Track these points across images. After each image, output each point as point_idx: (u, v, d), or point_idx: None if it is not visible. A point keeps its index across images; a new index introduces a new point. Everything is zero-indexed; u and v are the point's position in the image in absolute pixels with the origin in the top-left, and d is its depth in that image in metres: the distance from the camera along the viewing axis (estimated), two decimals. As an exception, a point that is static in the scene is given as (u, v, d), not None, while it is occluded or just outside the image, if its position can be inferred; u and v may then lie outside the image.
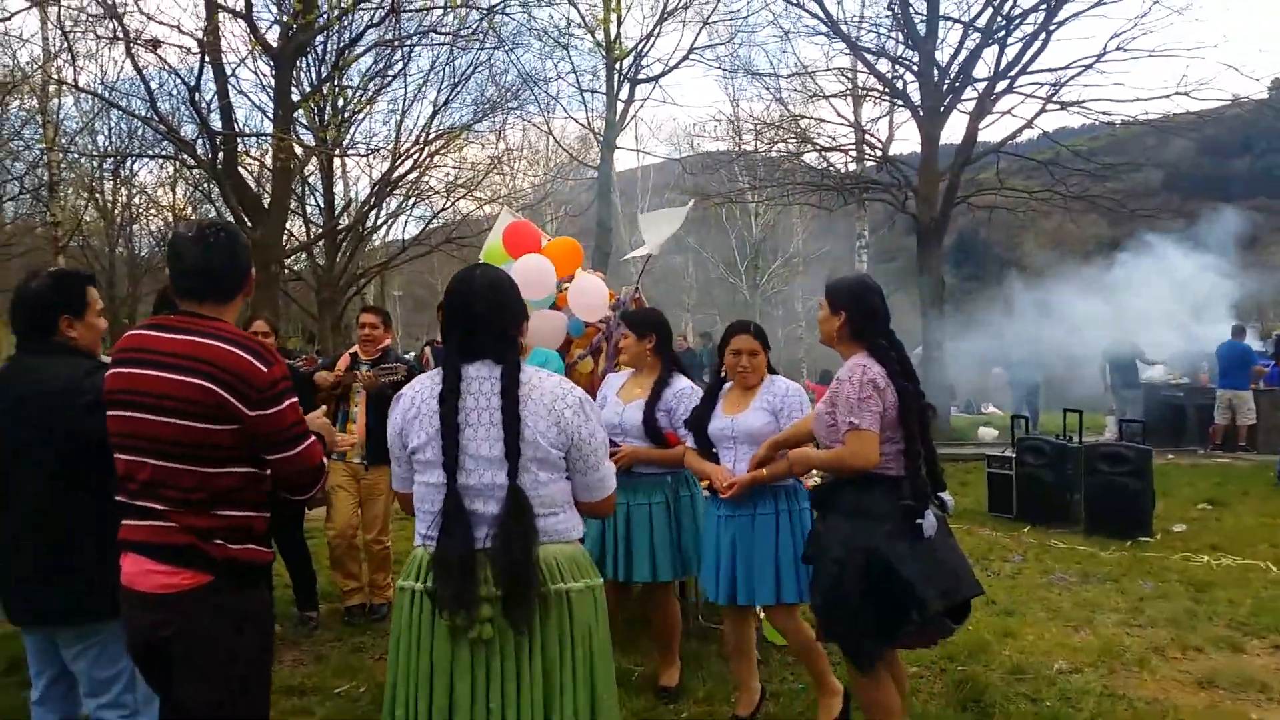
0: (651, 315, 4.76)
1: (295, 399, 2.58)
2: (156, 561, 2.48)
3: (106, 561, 2.71)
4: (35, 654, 3.12)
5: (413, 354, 9.46)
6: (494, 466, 2.48)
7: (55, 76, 16.99)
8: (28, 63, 17.77)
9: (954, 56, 15.99)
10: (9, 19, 13.37)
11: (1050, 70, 15.78)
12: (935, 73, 15.90)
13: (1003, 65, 15.52)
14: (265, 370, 2.48)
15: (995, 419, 19.04)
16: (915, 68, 16.21)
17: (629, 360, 4.67)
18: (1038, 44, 15.12)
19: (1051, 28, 14.88)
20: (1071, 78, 15.36)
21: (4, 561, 2.97)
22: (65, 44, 15.45)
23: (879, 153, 17.97)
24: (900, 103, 17.46)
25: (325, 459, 2.72)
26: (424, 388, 2.60)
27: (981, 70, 15.89)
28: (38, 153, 20.18)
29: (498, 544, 2.43)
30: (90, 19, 14.30)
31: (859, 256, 23.09)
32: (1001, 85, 15.65)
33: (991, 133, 41.05)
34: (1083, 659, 5.10)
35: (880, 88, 17.66)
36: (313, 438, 2.63)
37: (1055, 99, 15.57)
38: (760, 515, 4.04)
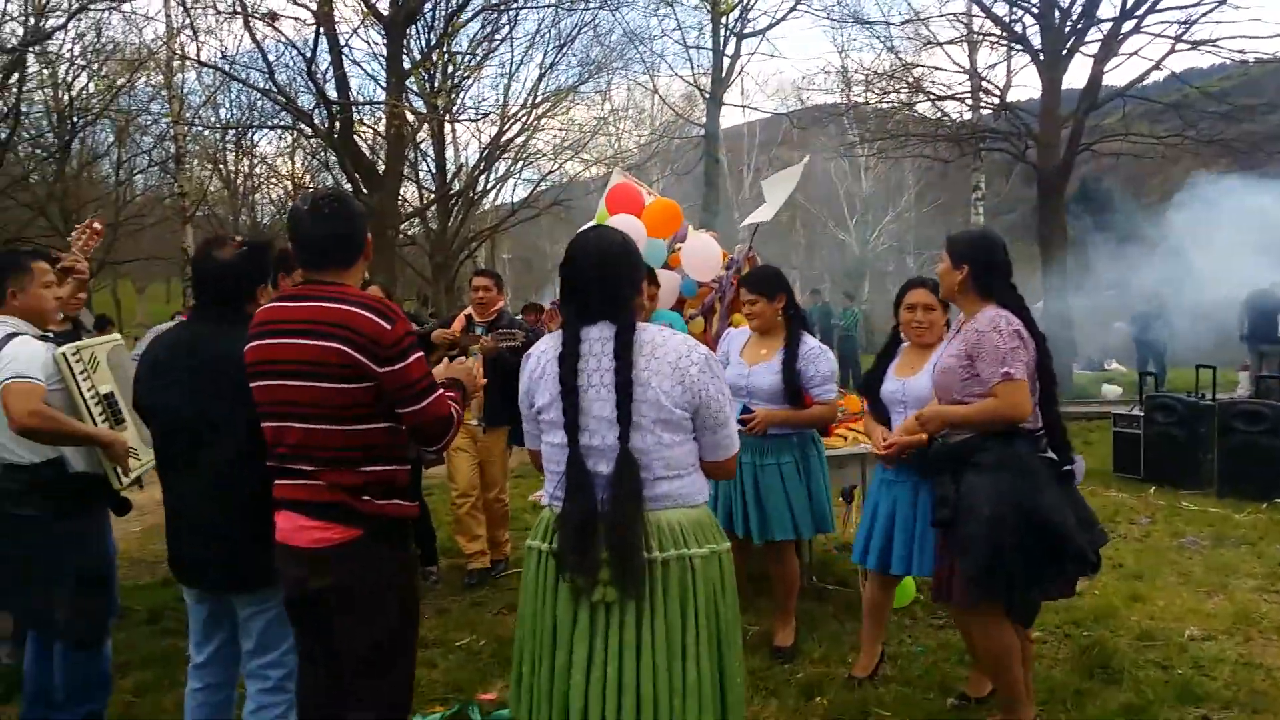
0: (775, 275, 4.63)
1: (421, 354, 2.66)
2: (309, 518, 2.62)
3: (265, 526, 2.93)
4: (205, 620, 3.13)
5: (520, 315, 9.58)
6: (614, 427, 2.47)
7: (179, 52, 17.59)
8: (153, 40, 18.50)
9: (1077, -3, 15.30)
10: (136, -2, 13.86)
11: (1180, 8, 14.95)
12: (1056, 14, 15.25)
13: (1129, 4, 14.79)
14: (389, 328, 2.57)
15: (1119, 375, 18.37)
16: (1035, 10, 15.56)
17: (761, 325, 4.53)
18: (1168, -22, 14.35)
19: (1183, -39, 14.10)
20: (1203, 14, 14.54)
21: (194, 530, 2.97)
22: (187, 20, 16.02)
23: (996, 100, 17.36)
24: (1019, 47, 16.79)
25: (460, 408, 2.81)
26: (549, 348, 2.63)
27: (1106, 10, 15.26)
28: (164, 126, 20.98)
29: (606, 508, 2.45)
30: (211, -5, 14.76)
31: (975, 209, 22.42)
32: (1128, 25, 14.93)
33: (1116, 76, 39.35)
34: (1216, 626, 4.92)
35: (998, 32, 17.01)
36: (441, 390, 2.71)
37: (1185, 38, 14.78)
38: (925, 485, 3.83)
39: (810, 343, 4.47)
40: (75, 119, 18.92)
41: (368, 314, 2.56)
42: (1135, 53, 15.83)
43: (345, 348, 2.53)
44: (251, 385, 2.70)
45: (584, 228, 2.90)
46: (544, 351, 2.63)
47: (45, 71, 17.32)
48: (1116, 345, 19.99)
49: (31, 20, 12.47)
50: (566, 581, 2.47)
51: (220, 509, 2.92)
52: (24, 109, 16.88)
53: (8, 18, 13.87)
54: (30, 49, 11.52)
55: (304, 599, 2.67)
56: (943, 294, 3.64)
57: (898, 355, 4.17)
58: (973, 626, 3.49)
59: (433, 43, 17.53)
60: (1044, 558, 3.21)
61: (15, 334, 3.34)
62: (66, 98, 18.48)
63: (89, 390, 3.44)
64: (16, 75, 14.94)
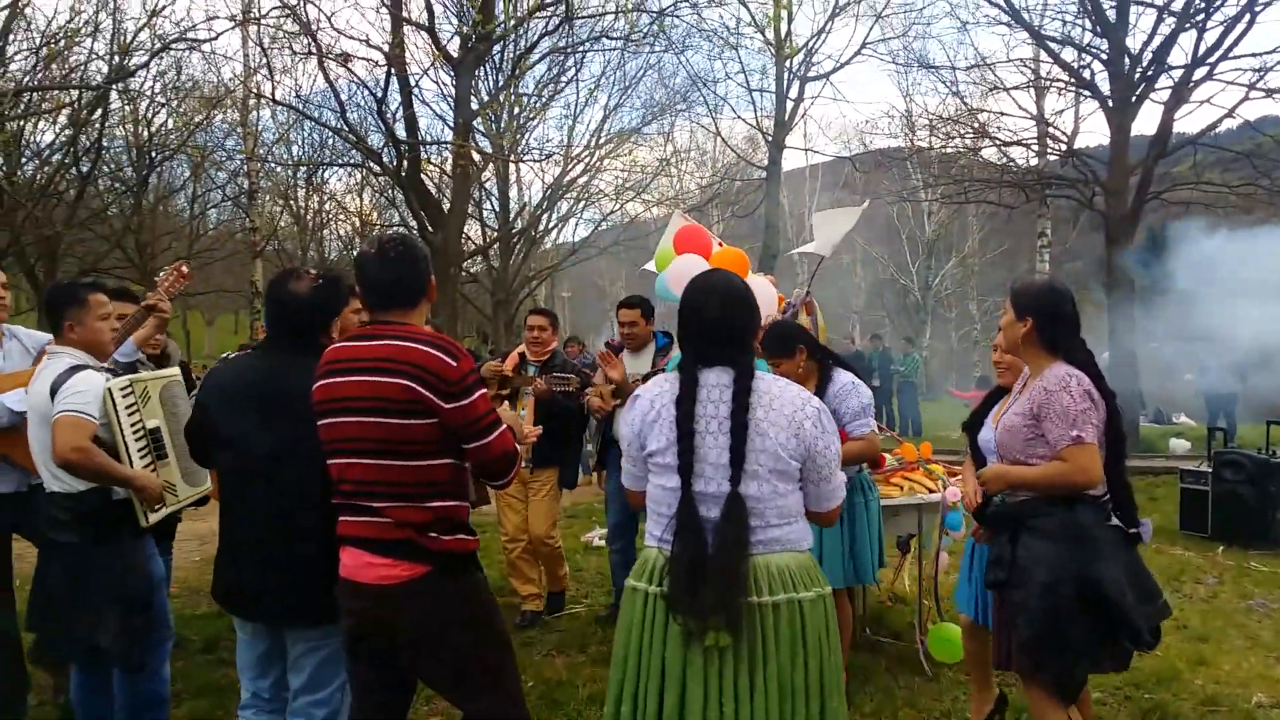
0: (786, 333, 4.48)
1: (485, 391, 2.71)
2: (376, 555, 2.66)
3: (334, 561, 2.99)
4: (263, 656, 3.11)
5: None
6: (728, 473, 2.49)
7: (254, 91, 18.09)
8: (230, 78, 19.04)
9: (1147, 43, 15.11)
10: (216, 39, 14.37)
11: (1254, 55, 14.76)
12: (1126, 61, 15.07)
13: (1201, 51, 14.56)
14: (455, 364, 2.63)
15: (1187, 430, 17.92)
16: (1104, 56, 15.40)
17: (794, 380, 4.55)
18: (1241, 26, 14.10)
19: (1257, 8, 13.87)
20: (1278, 62, 14.30)
21: (257, 561, 2.96)
22: (264, 60, 16.46)
23: (1064, 146, 17.16)
24: (1087, 93, 16.60)
25: (518, 445, 2.86)
26: (663, 391, 2.64)
27: (1177, 57, 15.03)
28: (238, 162, 21.56)
29: (714, 551, 2.46)
30: (287, 36, 15.18)
31: (1040, 256, 22.14)
32: (1200, 72, 14.68)
33: (1187, 123, 38.67)
34: (1286, 692, 4.74)
35: (1065, 78, 16.83)
36: (505, 426, 2.76)
37: (1260, 85, 14.52)
38: None
39: (841, 380, 4.39)
40: (154, 154, 19.51)
41: (433, 351, 2.63)
42: (1207, 100, 15.59)
43: (411, 383, 2.59)
44: (319, 423, 2.75)
45: (704, 271, 2.91)
46: (659, 395, 2.64)
47: (127, 108, 17.91)
48: (1185, 398, 19.54)
49: (116, 58, 12.93)
50: (678, 624, 2.47)
51: (285, 541, 2.94)
52: (105, 144, 17.46)
53: (94, 56, 14.40)
54: (114, 86, 11.94)
55: (369, 635, 2.71)
56: (1006, 347, 3.49)
57: (1004, 399, 3.97)
58: (1031, 693, 3.34)
59: (500, 84, 17.86)
60: (1098, 631, 3.09)
61: (81, 366, 3.41)
62: (146, 134, 19.07)
63: (134, 425, 3.48)
64: (100, 111, 15.47)
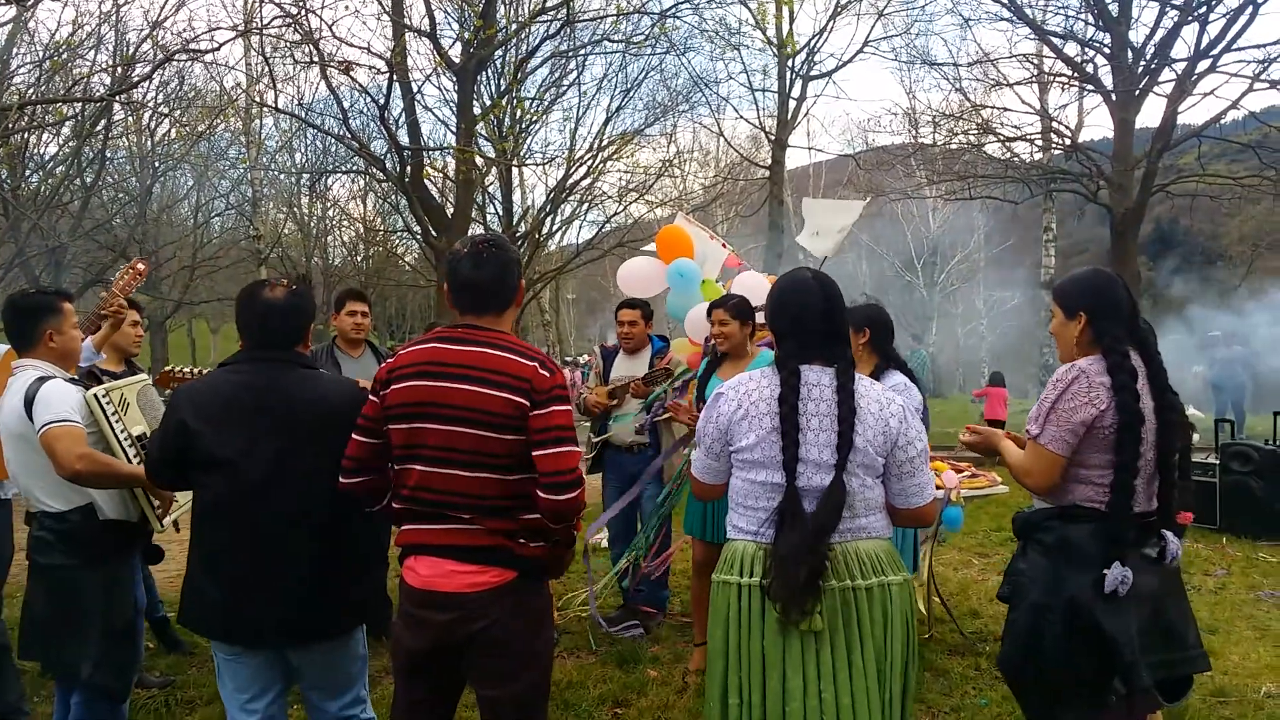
0: (869, 311, 4.45)
1: (569, 408, 2.65)
2: (461, 562, 2.61)
3: (372, 566, 3.03)
4: (261, 670, 2.95)
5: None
6: (823, 470, 2.55)
7: (257, 99, 18.15)
8: (233, 87, 19.10)
9: (1149, 36, 15.12)
10: (218, 49, 14.37)
11: (1258, 46, 14.72)
12: (1129, 54, 15.06)
13: (1204, 43, 14.54)
14: (549, 376, 2.61)
15: (1196, 422, 17.86)
16: (1107, 50, 15.40)
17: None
18: (1244, 19, 14.11)
19: (1259, 0, 13.85)
20: (1282, 53, 14.26)
21: (265, 589, 2.81)
22: (266, 69, 16.51)
23: (1067, 141, 17.16)
24: (1091, 87, 16.60)
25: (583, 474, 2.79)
26: (753, 388, 2.66)
27: (1180, 49, 14.96)
28: (242, 171, 21.62)
29: (812, 542, 2.52)
30: (289, 45, 15.21)
31: (1046, 250, 22.13)
32: (1203, 65, 14.67)
33: (1192, 115, 38.63)
34: (1297, 683, 4.73)
35: (1069, 72, 16.84)
36: (577, 448, 2.67)
37: (1263, 77, 14.49)
38: None
39: (892, 379, 4.25)
40: (157, 164, 19.58)
41: (531, 363, 2.60)
42: (1211, 92, 15.48)
43: (517, 397, 2.55)
44: (393, 426, 2.65)
45: (798, 268, 2.92)
46: (748, 391, 2.67)
47: (130, 119, 17.97)
48: (1193, 391, 19.49)
49: (118, 70, 12.98)
50: (777, 613, 2.52)
51: (293, 560, 2.81)
52: (109, 155, 17.52)
53: (97, 68, 14.44)
54: (117, 97, 11.96)
55: (443, 647, 2.65)
56: (1061, 355, 3.04)
57: None
58: None
59: (502, 89, 17.89)
60: (1089, 671, 2.76)
61: (46, 378, 3.28)
62: (149, 144, 19.14)
63: (121, 431, 3.38)
64: (103, 123, 15.52)
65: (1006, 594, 3.00)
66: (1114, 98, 15.29)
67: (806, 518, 2.53)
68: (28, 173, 16.44)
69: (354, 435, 2.74)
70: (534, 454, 2.58)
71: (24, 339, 3.39)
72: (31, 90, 13.22)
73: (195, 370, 3.95)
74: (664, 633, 5.56)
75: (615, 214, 23.09)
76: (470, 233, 16.80)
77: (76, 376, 3.58)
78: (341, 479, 2.78)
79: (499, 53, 16.64)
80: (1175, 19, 14.69)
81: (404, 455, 2.66)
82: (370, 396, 2.73)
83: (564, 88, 20.31)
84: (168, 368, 4.02)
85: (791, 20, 20.50)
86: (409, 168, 14.34)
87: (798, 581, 2.48)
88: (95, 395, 3.32)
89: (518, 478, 2.61)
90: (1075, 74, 16.58)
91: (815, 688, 2.51)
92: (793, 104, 22.04)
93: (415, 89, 15.10)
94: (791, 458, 2.55)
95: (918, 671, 2.70)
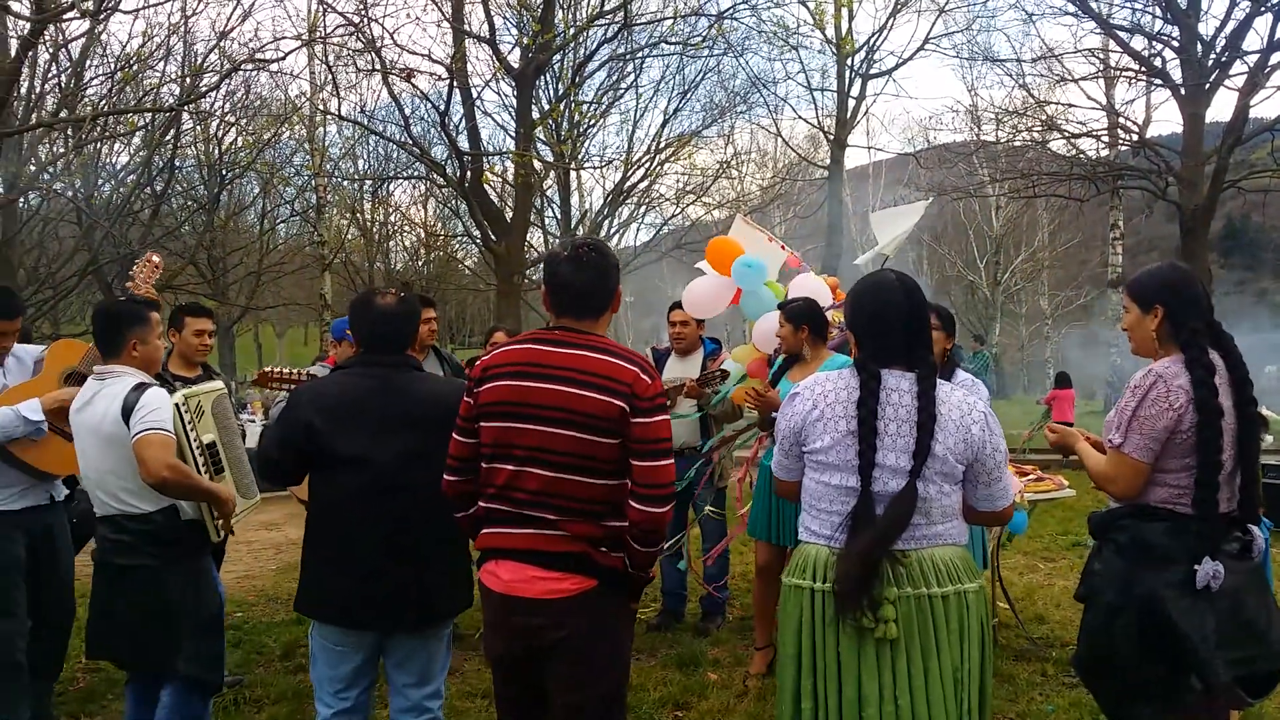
0: (937, 310, 4.39)
1: (668, 417, 2.66)
2: (544, 569, 2.60)
3: (466, 558, 3.16)
4: (359, 661, 3.13)
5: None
6: (899, 476, 2.52)
7: (321, 107, 18.46)
8: (297, 95, 19.46)
9: (1220, 29, 14.73)
10: (283, 58, 14.64)
11: (1334, 36, 14.23)
12: (1199, 47, 14.69)
13: (1277, 35, 14.14)
14: (651, 382, 2.60)
15: (1272, 422, 17.36)
16: (1176, 43, 15.03)
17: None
18: (1319, 9, 13.68)
19: (1336, -10, 13.43)
20: (1361, 43, 13.80)
21: (381, 572, 3.00)
22: (330, 77, 16.80)
23: (1135, 136, 16.78)
24: (1159, 82, 16.20)
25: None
26: (829, 389, 2.64)
27: (1253, 41, 14.57)
28: (306, 178, 22.01)
29: (881, 547, 2.50)
30: (352, 53, 15.46)
31: (1112, 248, 21.67)
32: (1276, 57, 14.26)
33: (1264, 109, 37.57)
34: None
35: (1136, 67, 16.46)
36: (672, 461, 2.66)
37: (1340, 69, 14.04)
38: None
39: (959, 376, 4.26)
40: (224, 172, 20.00)
41: (633, 368, 2.59)
42: (1284, 84, 15.03)
43: (619, 401, 2.54)
44: (484, 425, 2.68)
45: (881, 270, 2.91)
46: (824, 393, 2.64)
47: (198, 128, 18.39)
48: (1265, 389, 18.95)
49: (187, 80, 13.29)
50: (850, 619, 2.50)
51: (413, 550, 3.02)
52: (178, 163, 17.94)
53: (167, 79, 14.80)
54: (185, 107, 12.25)
55: (527, 653, 2.67)
56: (1136, 349, 2.99)
57: None
58: None
59: (560, 93, 17.99)
60: (1164, 668, 2.76)
61: (146, 384, 3.37)
62: (217, 152, 19.55)
63: (194, 440, 3.46)
64: (173, 132, 15.91)
65: (1083, 594, 3.00)
66: (1183, 92, 14.92)
67: (877, 523, 2.51)
68: (100, 182, 16.91)
69: (454, 435, 2.80)
70: (634, 463, 2.58)
71: (110, 346, 3.48)
72: (104, 102, 13.59)
73: (295, 371, 4.04)
74: (724, 635, 5.53)
75: (672, 216, 23.11)
76: (526, 237, 16.98)
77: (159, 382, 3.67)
78: (446, 476, 2.84)
79: (557, 57, 16.76)
80: (1247, 10, 14.31)
81: (494, 454, 2.68)
82: (465, 396, 2.77)
83: (621, 91, 20.43)
84: (266, 368, 4.12)
85: (850, 19, 20.39)
86: (469, 173, 14.48)
87: (857, 586, 2.47)
88: (176, 404, 3.40)
89: (609, 483, 2.61)
90: (1142, 68, 16.21)
91: (891, 694, 2.48)
92: (852, 103, 21.87)
93: (475, 95, 15.24)
94: (867, 462, 2.52)
95: (990, 675, 2.66)
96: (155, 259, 4.37)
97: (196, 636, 3.43)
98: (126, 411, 3.27)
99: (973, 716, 2.55)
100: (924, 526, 2.54)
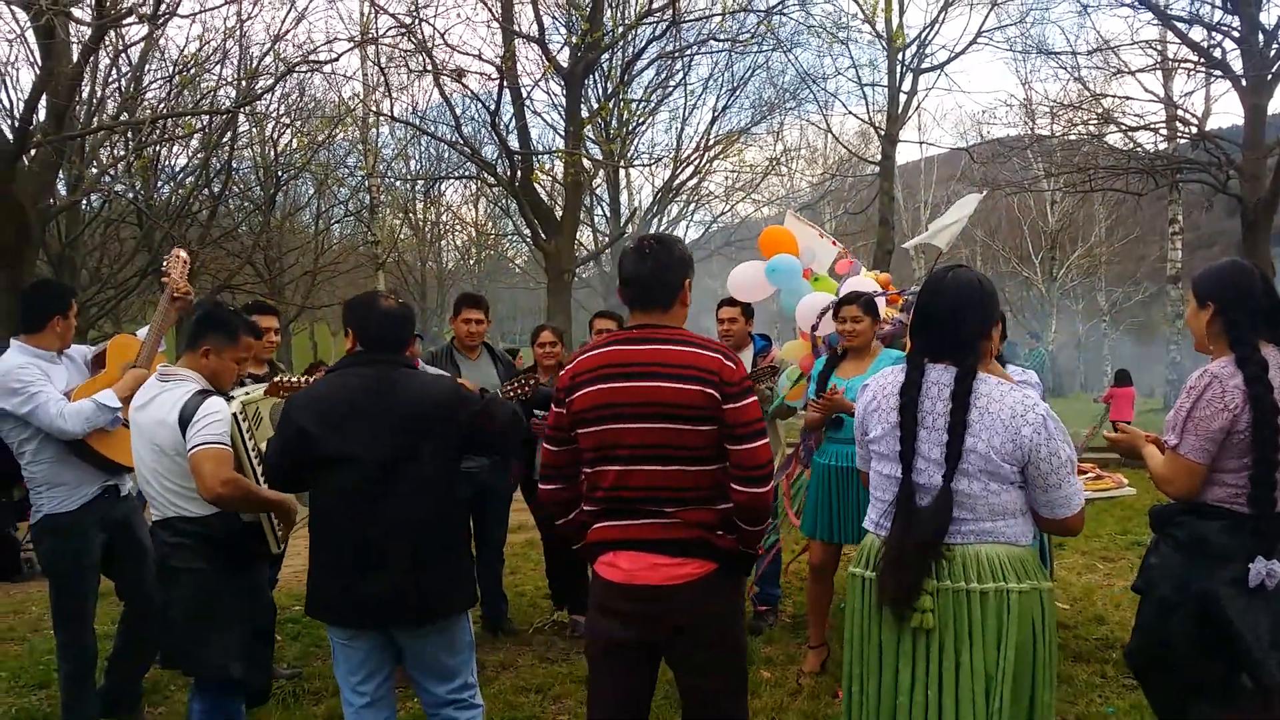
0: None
1: (756, 399, 2.73)
2: (665, 555, 2.68)
3: (468, 556, 3.20)
4: (372, 655, 3.14)
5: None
6: (938, 468, 2.55)
7: (374, 109, 18.67)
8: (350, 97, 19.68)
9: (1283, 17, 14.37)
10: (336, 60, 14.87)
11: (1404, 24, 13.83)
12: (1260, 37, 14.35)
13: (1344, 22, 13.77)
14: (734, 366, 2.68)
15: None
16: (1236, 34, 14.70)
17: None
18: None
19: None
20: None
21: (389, 568, 2.98)
22: (382, 78, 16.97)
23: (1194, 129, 16.45)
24: (1219, 73, 15.86)
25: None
26: (889, 382, 2.70)
27: (1317, 30, 14.17)
28: (360, 179, 22.27)
29: (916, 537, 2.53)
30: (403, 54, 15.61)
31: (1171, 243, 21.25)
32: (1341, 45, 13.90)
33: (1331, 98, 36.63)
34: None
35: (1195, 58, 16.12)
36: (767, 439, 2.76)
37: None
38: None
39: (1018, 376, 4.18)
40: (280, 173, 20.30)
41: (715, 355, 2.68)
42: (1352, 74, 14.63)
43: (709, 389, 2.63)
44: (582, 431, 2.74)
45: (945, 266, 2.95)
46: (883, 385, 2.70)
47: (254, 130, 18.68)
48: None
49: (243, 83, 13.53)
50: (887, 607, 2.56)
51: (417, 546, 3.00)
52: (235, 165, 18.25)
53: (223, 82, 15.07)
54: (242, 109, 12.46)
55: (644, 640, 2.74)
56: (1198, 345, 3.02)
57: None
58: None
59: (609, 91, 18.04)
60: (1217, 665, 2.78)
61: (208, 392, 3.36)
62: (272, 154, 19.85)
63: (253, 448, 3.44)
64: (229, 134, 16.18)
65: (1141, 586, 3.02)
66: (1244, 83, 14.59)
67: (916, 512, 2.54)
68: (159, 184, 17.25)
69: (545, 445, 2.88)
70: (731, 448, 2.66)
71: (190, 342, 3.50)
72: (162, 105, 13.87)
73: (302, 379, 4.05)
74: (776, 634, 5.51)
75: (722, 214, 23.08)
76: (575, 235, 17.04)
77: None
78: (542, 486, 2.94)
79: (606, 56, 16.79)
80: (1313, -3, 13.94)
81: (597, 457, 2.74)
82: (554, 407, 2.84)
83: (670, 88, 20.44)
84: (276, 378, 4.09)
85: (902, 13, 20.16)
86: (519, 172, 14.57)
87: (894, 576, 2.51)
88: (234, 414, 3.38)
89: (714, 468, 2.69)
90: (1202, 59, 15.87)
91: (922, 684, 2.52)
92: (903, 98, 21.63)
93: (525, 94, 15.33)
94: (908, 450, 2.56)
95: (1049, 688, 2.58)
96: (182, 254, 4.36)
97: (252, 642, 3.43)
98: (184, 420, 3.25)
99: (1002, 718, 2.49)
100: (970, 522, 2.54)
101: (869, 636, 2.63)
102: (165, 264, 4.35)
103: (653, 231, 2.90)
